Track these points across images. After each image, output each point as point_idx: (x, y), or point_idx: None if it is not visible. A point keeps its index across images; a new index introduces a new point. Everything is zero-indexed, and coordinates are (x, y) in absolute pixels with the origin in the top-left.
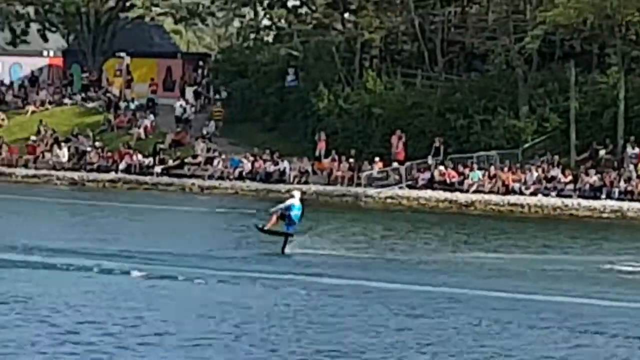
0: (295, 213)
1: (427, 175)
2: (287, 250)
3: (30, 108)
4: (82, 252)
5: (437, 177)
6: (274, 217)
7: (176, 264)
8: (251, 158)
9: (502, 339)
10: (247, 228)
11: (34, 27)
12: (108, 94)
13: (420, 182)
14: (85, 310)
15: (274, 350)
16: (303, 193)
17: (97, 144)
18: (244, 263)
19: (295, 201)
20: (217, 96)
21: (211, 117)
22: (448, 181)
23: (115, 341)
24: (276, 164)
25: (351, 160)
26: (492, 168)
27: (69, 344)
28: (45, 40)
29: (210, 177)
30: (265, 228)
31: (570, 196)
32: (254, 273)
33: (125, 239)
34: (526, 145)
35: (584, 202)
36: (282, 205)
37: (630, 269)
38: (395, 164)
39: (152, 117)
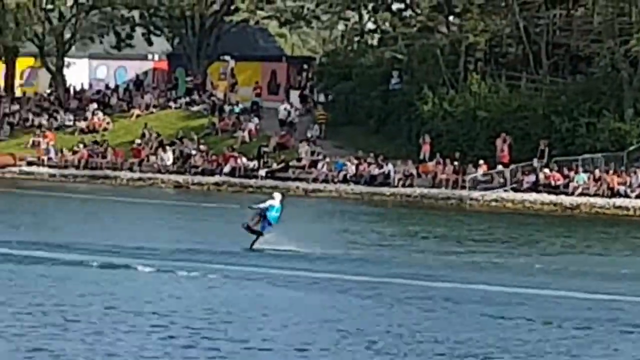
0: (273, 215)
1: (532, 178)
2: (255, 245)
3: (135, 111)
4: (180, 258)
5: (542, 180)
6: (257, 217)
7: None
8: (355, 161)
9: (595, 343)
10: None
11: (139, 30)
12: (212, 98)
13: (525, 185)
14: (187, 315)
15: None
16: (283, 196)
17: (201, 147)
18: (340, 265)
19: (275, 203)
20: (322, 99)
21: (315, 120)
22: (553, 184)
23: (227, 346)
24: (380, 167)
25: (456, 163)
26: (597, 171)
27: (182, 349)
28: (150, 44)
29: (315, 180)
30: (250, 225)
31: None
32: (358, 276)
33: (224, 241)
34: (631, 147)
35: None
36: (262, 206)
37: None
38: (500, 167)
39: (256, 120)
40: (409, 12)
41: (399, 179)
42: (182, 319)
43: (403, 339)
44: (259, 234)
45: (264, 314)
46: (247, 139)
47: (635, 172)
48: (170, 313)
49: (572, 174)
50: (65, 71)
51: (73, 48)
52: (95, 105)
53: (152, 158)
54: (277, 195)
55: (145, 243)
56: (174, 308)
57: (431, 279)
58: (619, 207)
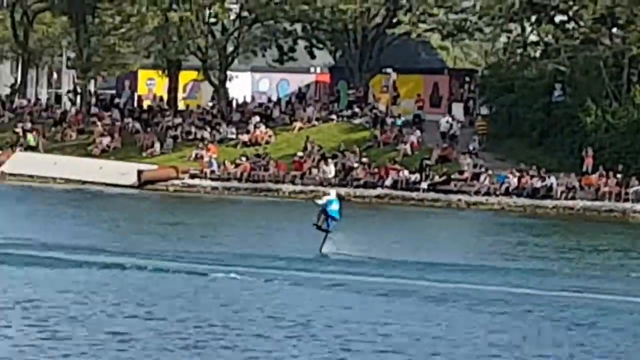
0: (332, 209)
1: None
2: (324, 249)
3: (298, 124)
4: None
5: None
6: (322, 216)
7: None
8: (517, 174)
9: None
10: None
11: (302, 44)
12: (374, 110)
13: None
14: (355, 328)
15: None
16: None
17: (363, 160)
18: (502, 277)
19: (331, 197)
20: (485, 111)
21: (476, 132)
22: None
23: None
24: (543, 179)
25: (619, 175)
26: None
27: None
28: (313, 57)
29: (477, 192)
30: (319, 224)
31: None
32: (522, 289)
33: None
34: None
35: None
36: (320, 202)
37: None
38: None
39: (418, 133)
40: (571, 24)
41: (562, 192)
42: (353, 334)
43: (560, 353)
44: (326, 231)
45: (423, 326)
46: (409, 151)
47: None
48: (336, 324)
49: None
50: (228, 84)
51: (236, 61)
52: (257, 118)
53: (314, 171)
54: (332, 191)
55: (306, 254)
56: (344, 319)
57: (596, 291)
58: None
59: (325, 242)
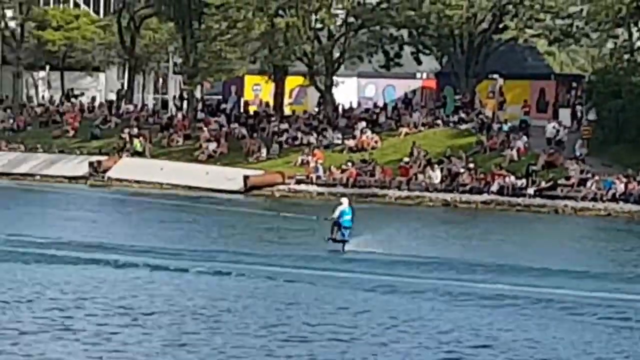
0: (345, 219)
1: None
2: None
3: (404, 130)
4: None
5: None
6: (335, 228)
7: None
8: (624, 179)
9: None
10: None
11: (408, 49)
12: (481, 116)
13: None
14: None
15: None
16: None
17: (469, 165)
18: (606, 284)
19: (343, 207)
20: (592, 117)
21: (582, 137)
22: None
23: None
24: None
25: None
26: None
27: None
28: (419, 62)
29: (583, 198)
30: (333, 237)
31: None
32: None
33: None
34: None
35: None
36: (334, 215)
37: None
38: None
39: (525, 138)
40: None
41: None
42: (463, 339)
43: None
44: (343, 242)
45: (536, 331)
46: (515, 157)
47: None
48: (448, 330)
49: None
50: (334, 90)
51: (342, 67)
52: (364, 124)
53: (420, 176)
54: (344, 200)
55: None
56: (455, 326)
57: None
58: None
59: (344, 246)
